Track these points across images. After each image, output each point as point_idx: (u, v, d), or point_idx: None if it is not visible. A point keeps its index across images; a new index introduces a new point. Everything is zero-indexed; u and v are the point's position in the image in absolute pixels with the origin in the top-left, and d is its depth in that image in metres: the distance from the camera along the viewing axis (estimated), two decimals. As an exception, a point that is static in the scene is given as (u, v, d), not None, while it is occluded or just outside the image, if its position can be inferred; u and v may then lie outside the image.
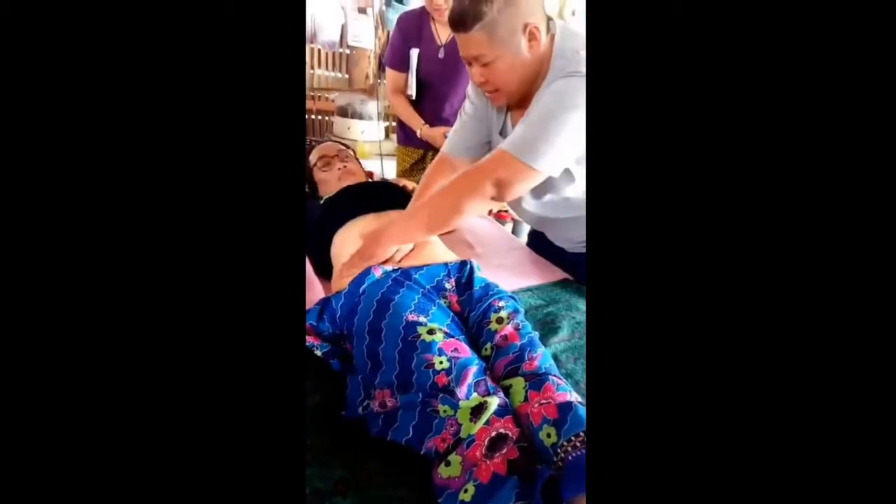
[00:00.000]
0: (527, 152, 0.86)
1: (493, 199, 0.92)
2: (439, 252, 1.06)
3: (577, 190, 1.03)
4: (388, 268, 0.90)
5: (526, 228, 1.69)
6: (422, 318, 0.76)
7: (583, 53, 0.86)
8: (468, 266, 0.95)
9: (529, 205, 1.12)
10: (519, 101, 0.96)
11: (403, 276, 0.88)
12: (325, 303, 0.86)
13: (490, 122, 1.08)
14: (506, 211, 2.40)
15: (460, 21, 0.84)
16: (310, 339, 0.81)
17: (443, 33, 1.55)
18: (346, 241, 1.05)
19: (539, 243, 1.28)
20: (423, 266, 0.93)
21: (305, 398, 0.73)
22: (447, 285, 0.92)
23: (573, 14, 2.59)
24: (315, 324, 0.83)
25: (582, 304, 1.10)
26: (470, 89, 1.10)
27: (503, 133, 1.04)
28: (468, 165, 1.10)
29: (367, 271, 0.88)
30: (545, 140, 0.85)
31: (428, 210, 0.97)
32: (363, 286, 0.85)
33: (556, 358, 0.85)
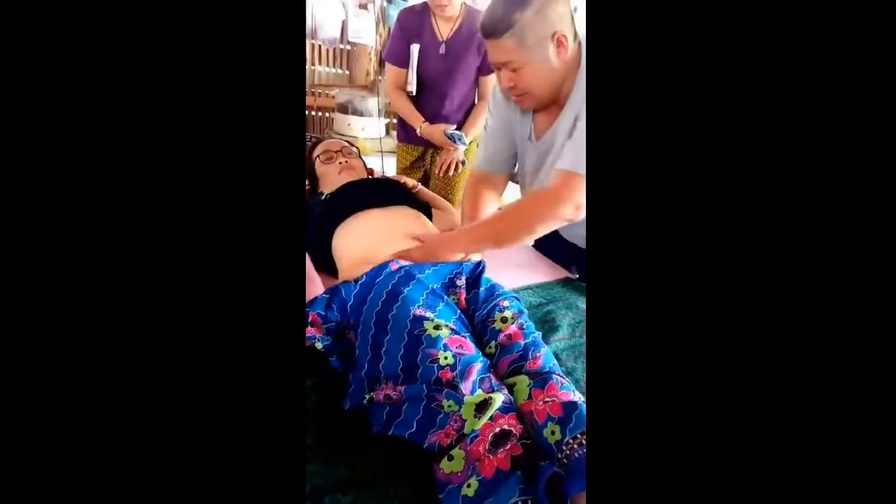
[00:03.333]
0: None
1: (568, 220, 0.93)
2: None
3: None
4: (405, 263, 0.91)
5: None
6: (429, 314, 0.76)
7: None
8: (481, 266, 0.97)
9: None
10: (545, 105, 1.01)
11: (416, 271, 0.89)
12: (334, 291, 0.86)
13: (514, 131, 1.12)
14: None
15: (491, 29, 0.89)
16: (312, 331, 0.80)
17: (444, 29, 1.55)
18: (349, 237, 1.05)
19: (549, 241, 1.29)
20: (437, 262, 0.94)
21: (306, 396, 0.72)
22: (458, 282, 0.93)
23: (575, 10, 2.59)
24: (322, 313, 0.83)
25: (581, 303, 1.11)
26: (490, 103, 1.15)
27: (531, 138, 1.07)
28: (503, 178, 1.20)
29: (386, 265, 0.88)
30: None
31: (502, 226, 0.99)
32: (378, 278, 0.85)
33: (556, 356, 0.85)
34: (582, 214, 0.93)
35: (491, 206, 1.18)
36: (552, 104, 1.00)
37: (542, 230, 0.95)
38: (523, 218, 0.96)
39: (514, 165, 1.20)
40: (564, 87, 0.96)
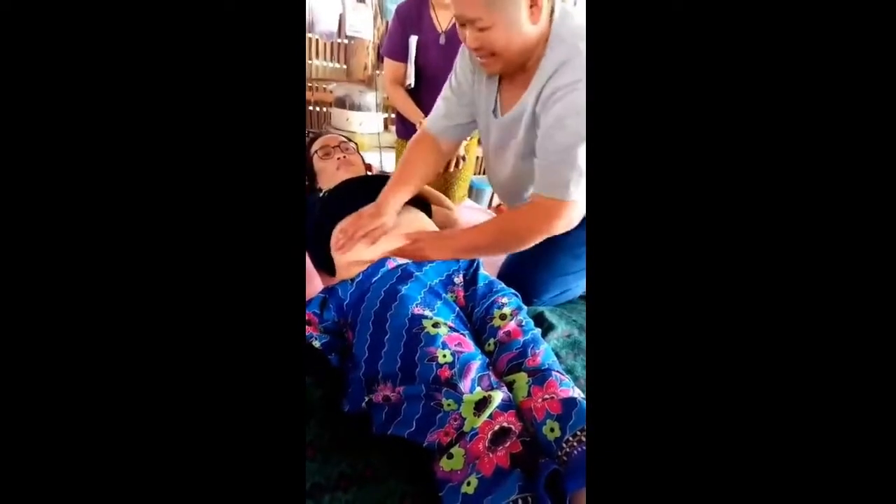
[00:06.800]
0: (567, 193, 0.87)
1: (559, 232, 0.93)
2: None
3: None
4: (402, 261, 0.90)
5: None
6: (427, 312, 0.76)
7: (582, 46, 0.84)
8: (476, 262, 0.96)
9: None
10: (512, 72, 0.92)
11: (414, 268, 0.88)
12: (330, 291, 0.85)
13: (478, 103, 1.04)
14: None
15: None
16: (309, 330, 0.80)
17: (444, 19, 1.51)
18: None
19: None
20: (434, 260, 0.94)
21: (307, 393, 0.72)
22: (456, 279, 0.92)
23: (574, 4, 2.58)
24: (318, 312, 0.83)
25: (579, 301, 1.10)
26: (457, 65, 1.05)
27: (496, 113, 1.00)
28: (452, 145, 1.11)
29: (383, 262, 0.88)
30: (577, 173, 0.86)
31: (495, 236, 0.97)
32: (375, 277, 0.85)
33: (555, 353, 0.85)
34: (573, 224, 0.92)
35: (427, 173, 1.10)
36: (519, 72, 0.90)
37: (532, 243, 0.95)
38: (518, 231, 0.95)
39: (467, 135, 1.13)
40: (534, 55, 0.86)
